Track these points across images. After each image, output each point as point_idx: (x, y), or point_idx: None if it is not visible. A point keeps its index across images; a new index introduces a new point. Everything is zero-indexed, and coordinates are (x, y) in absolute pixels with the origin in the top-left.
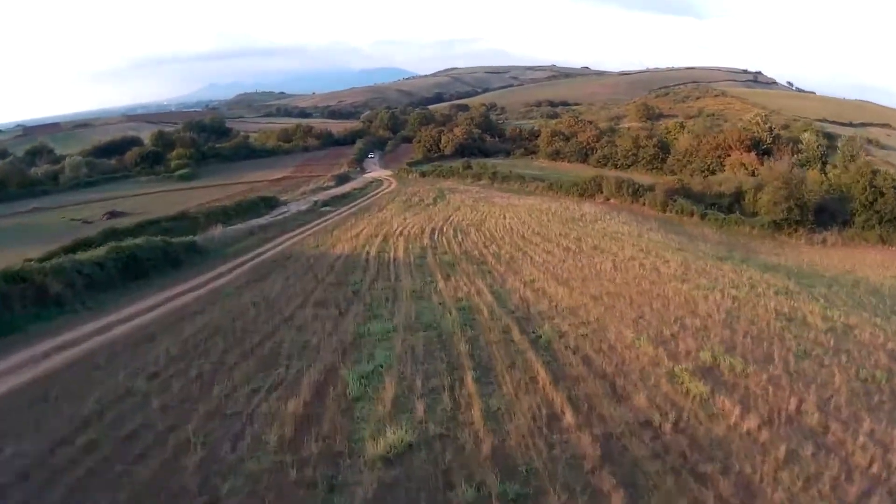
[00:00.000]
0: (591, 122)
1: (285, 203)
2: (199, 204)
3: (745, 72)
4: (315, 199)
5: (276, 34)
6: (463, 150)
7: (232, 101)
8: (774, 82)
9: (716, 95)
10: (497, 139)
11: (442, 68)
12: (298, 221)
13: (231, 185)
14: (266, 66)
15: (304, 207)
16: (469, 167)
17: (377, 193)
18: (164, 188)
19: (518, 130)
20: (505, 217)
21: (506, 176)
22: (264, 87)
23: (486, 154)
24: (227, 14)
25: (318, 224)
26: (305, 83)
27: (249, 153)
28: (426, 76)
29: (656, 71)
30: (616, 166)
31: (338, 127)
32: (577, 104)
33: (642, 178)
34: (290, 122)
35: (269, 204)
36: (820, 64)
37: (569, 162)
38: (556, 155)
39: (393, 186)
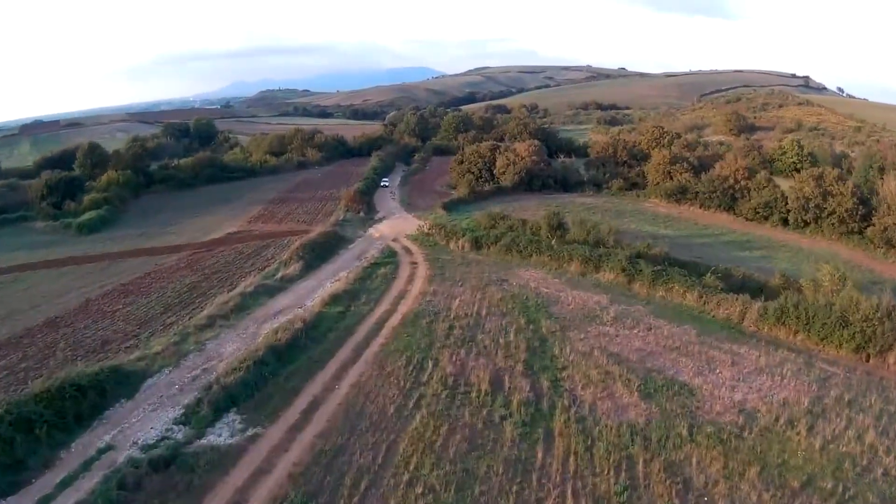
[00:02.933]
0: (678, 136)
1: (140, 384)
2: None
3: (794, 76)
4: (215, 368)
5: (307, 32)
6: (530, 180)
7: (253, 98)
8: (824, 87)
9: (799, 104)
10: (572, 157)
11: (472, 68)
12: None
13: (129, 257)
14: (296, 64)
15: (154, 437)
16: (561, 227)
17: (381, 325)
18: (42, 253)
19: (612, 151)
20: None
21: (658, 272)
22: (294, 84)
23: (566, 186)
24: (259, 12)
25: None
26: (334, 81)
27: (216, 175)
28: (457, 75)
29: (702, 73)
30: (784, 222)
31: (353, 131)
32: (627, 108)
33: (840, 250)
34: (306, 123)
35: (74, 423)
36: (847, 66)
37: (702, 207)
38: (679, 195)
39: (418, 285)
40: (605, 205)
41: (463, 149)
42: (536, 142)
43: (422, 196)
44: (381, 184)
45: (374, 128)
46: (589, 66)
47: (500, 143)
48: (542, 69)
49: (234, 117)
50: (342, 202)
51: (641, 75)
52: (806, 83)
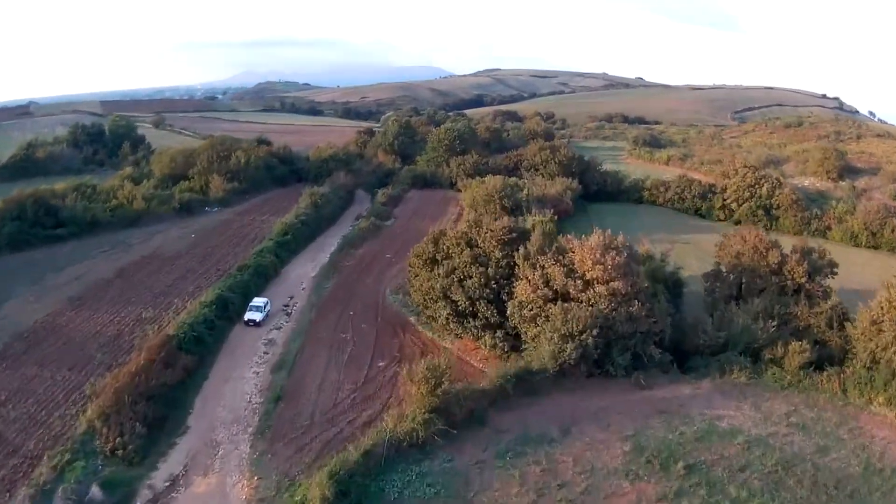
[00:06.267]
0: (779, 182)
1: None
2: None
3: (825, 97)
4: None
5: (320, 26)
6: (606, 346)
7: (250, 90)
8: (857, 111)
9: (878, 135)
10: (671, 260)
11: (482, 69)
12: None
13: None
14: (306, 57)
15: None
16: None
17: None
18: None
19: (775, 265)
20: None
21: None
22: (303, 77)
23: (680, 356)
24: (274, 3)
25: None
26: (342, 76)
27: (24, 233)
28: (465, 76)
29: (727, 88)
30: None
31: (332, 135)
32: (657, 122)
33: None
34: (284, 122)
35: None
36: (863, 89)
37: None
38: None
39: None
40: (789, 443)
41: (454, 182)
42: (621, 256)
43: (345, 346)
44: (246, 317)
45: (349, 136)
46: (605, 73)
47: (523, 241)
48: (555, 74)
49: (211, 111)
50: (95, 406)
51: (664, 87)
52: (840, 105)
